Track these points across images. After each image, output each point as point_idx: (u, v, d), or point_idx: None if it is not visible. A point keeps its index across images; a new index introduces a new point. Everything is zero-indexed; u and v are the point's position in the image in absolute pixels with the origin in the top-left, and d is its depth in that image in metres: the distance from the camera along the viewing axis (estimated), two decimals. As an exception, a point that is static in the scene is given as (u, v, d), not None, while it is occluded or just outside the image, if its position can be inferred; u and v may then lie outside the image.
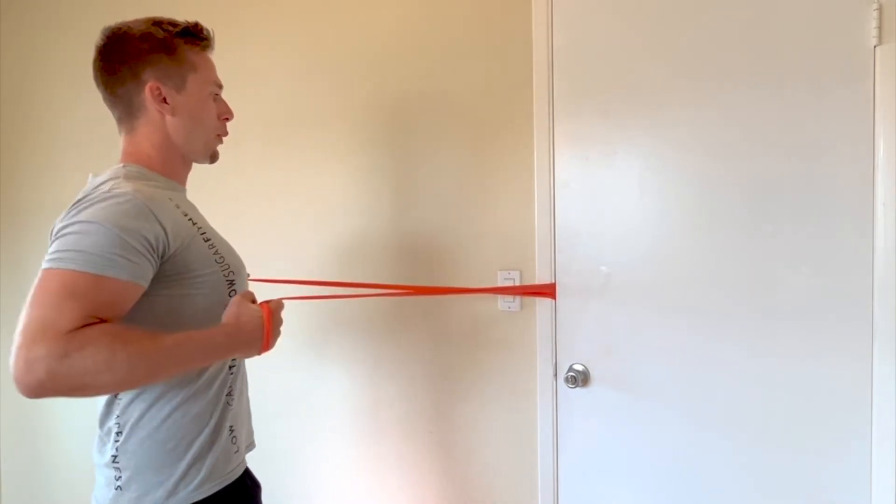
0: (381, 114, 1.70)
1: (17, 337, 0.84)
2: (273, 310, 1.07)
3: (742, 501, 1.40)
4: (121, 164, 1.07)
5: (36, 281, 0.88)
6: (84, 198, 0.96)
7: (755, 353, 1.37)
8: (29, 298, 0.87)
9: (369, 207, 1.72)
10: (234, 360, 1.14)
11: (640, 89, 1.44)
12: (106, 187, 0.98)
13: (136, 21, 1.08)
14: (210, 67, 1.15)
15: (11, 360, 0.83)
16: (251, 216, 1.84)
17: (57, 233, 0.93)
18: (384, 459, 1.74)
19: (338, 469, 1.80)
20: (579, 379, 1.50)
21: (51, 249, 0.91)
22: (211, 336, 0.99)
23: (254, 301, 1.08)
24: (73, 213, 0.94)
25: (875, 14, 1.25)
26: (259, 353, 1.05)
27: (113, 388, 0.95)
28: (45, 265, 0.89)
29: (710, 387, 1.41)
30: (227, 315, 1.03)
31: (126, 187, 0.97)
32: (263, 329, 1.03)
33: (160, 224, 0.96)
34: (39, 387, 0.83)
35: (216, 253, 1.09)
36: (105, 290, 0.89)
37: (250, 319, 1.03)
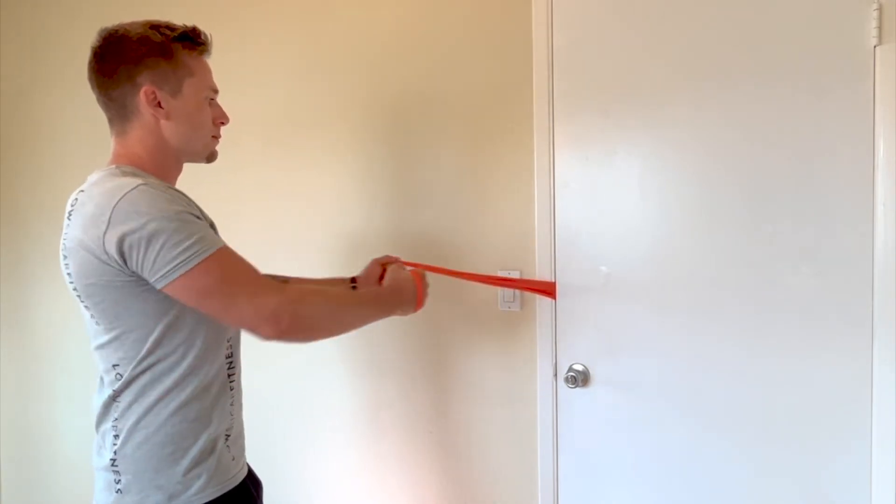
0: (380, 114, 1.70)
1: (242, 305, 0.97)
2: (422, 275, 1.32)
3: (742, 501, 1.40)
4: (113, 165, 1.06)
5: (192, 280, 0.95)
6: (114, 209, 0.94)
7: (755, 352, 1.37)
8: (212, 287, 0.96)
9: (369, 207, 1.72)
10: (231, 367, 1.13)
11: (640, 89, 1.44)
12: (123, 185, 0.96)
13: (134, 24, 1.07)
14: (206, 72, 1.14)
15: (253, 320, 0.97)
16: (250, 216, 1.84)
17: (143, 245, 0.93)
18: (384, 459, 1.74)
19: (338, 469, 1.80)
20: (579, 379, 1.50)
21: (168, 258, 0.94)
22: (382, 294, 1.25)
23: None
24: (129, 222, 0.93)
25: (875, 14, 1.25)
26: (415, 311, 1.28)
27: (330, 332, 1.12)
28: (182, 269, 0.94)
29: (710, 386, 1.41)
30: (388, 280, 1.30)
31: (138, 180, 0.98)
32: (416, 291, 1.27)
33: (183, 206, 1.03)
34: (288, 328, 0.99)
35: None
36: (237, 254, 1.03)
37: (407, 282, 1.27)
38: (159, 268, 0.94)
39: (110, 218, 0.94)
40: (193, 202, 1.07)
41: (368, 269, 1.46)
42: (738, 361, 1.38)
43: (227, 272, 0.98)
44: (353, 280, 1.48)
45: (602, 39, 1.48)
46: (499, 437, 1.62)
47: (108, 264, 0.96)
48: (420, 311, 1.67)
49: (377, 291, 1.28)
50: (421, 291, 1.28)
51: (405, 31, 1.66)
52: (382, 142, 1.71)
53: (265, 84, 1.82)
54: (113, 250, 0.94)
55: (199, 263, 0.95)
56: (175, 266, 0.94)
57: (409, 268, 1.36)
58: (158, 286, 0.95)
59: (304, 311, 1.02)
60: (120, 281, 0.97)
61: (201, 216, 1.04)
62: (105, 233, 0.94)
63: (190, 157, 1.16)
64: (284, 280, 1.38)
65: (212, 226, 1.09)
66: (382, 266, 1.46)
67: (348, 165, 1.74)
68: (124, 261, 0.95)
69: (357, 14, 1.71)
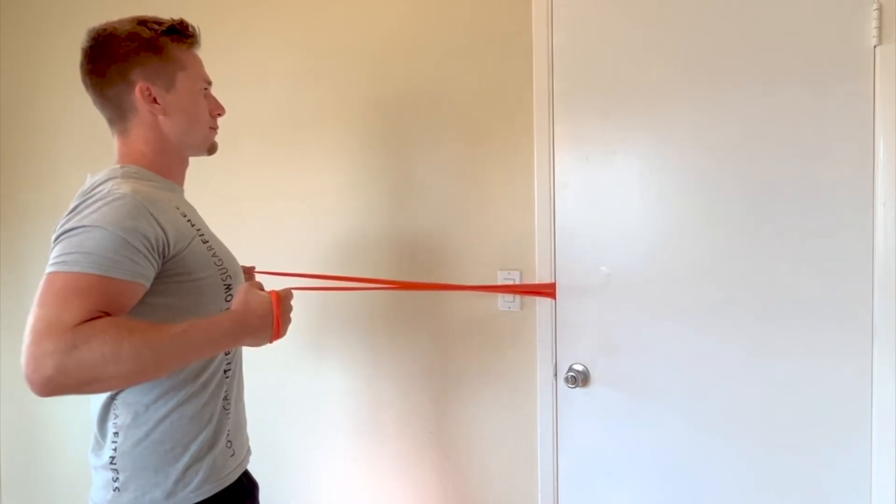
0: (380, 114, 1.70)
1: (25, 337, 0.85)
2: (282, 296, 1.04)
3: (742, 501, 1.40)
4: (118, 165, 1.06)
5: (41, 284, 0.89)
6: (83, 201, 0.96)
7: (755, 352, 1.37)
8: (35, 300, 0.87)
9: (368, 208, 1.72)
10: (229, 364, 1.13)
11: (640, 89, 1.44)
12: (105, 188, 0.97)
13: (121, 21, 1.07)
14: (198, 64, 1.14)
15: (22, 359, 0.84)
16: (250, 215, 1.84)
17: (59, 236, 0.93)
18: (384, 460, 1.74)
19: (337, 469, 1.80)
20: (579, 379, 1.50)
21: (54, 253, 0.91)
22: (218, 323, 0.97)
23: (262, 289, 1.05)
24: (73, 215, 0.94)
25: (875, 14, 1.25)
26: (270, 341, 1.03)
27: (121, 381, 0.90)
28: (49, 269, 0.89)
29: (710, 387, 1.41)
30: (235, 302, 1.01)
31: (125, 188, 0.97)
32: (273, 315, 1.01)
33: (160, 225, 0.96)
34: (49, 382, 0.82)
35: (214, 255, 1.09)
36: (109, 290, 0.89)
37: (259, 305, 1.00)
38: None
39: (70, 212, 0.95)
40: (178, 217, 1.03)
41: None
42: (737, 361, 1.38)
43: (53, 297, 0.86)
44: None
45: (602, 39, 1.48)
46: (499, 437, 1.62)
47: None
48: (419, 311, 1.68)
49: (213, 321, 0.97)
50: (279, 316, 1.02)
51: (405, 31, 1.66)
52: (382, 141, 1.71)
53: (264, 84, 1.82)
54: None
55: (52, 272, 0.88)
56: (49, 263, 0.90)
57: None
58: None
59: (80, 356, 0.82)
60: None
61: (153, 243, 0.95)
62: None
63: (191, 150, 1.15)
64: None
65: (200, 233, 1.07)
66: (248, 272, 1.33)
67: (348, 165, 1.74)
68: None
69: (356, 14, 1.71)
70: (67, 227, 0.92)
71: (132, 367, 0.86)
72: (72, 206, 0.97)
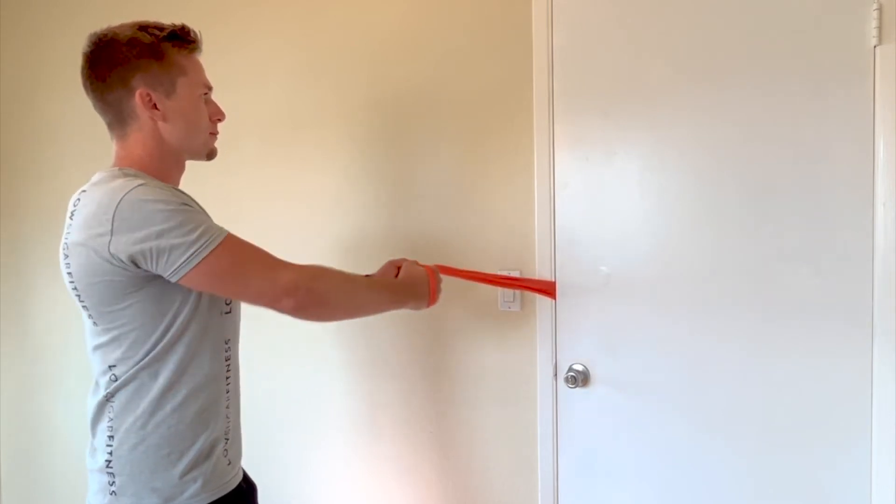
0: (380, 114, 1.70)
1: (259, 281, 1.02)
2: (434, 270, 1.32)
3: (742, 501, 1.40)
4: (116, 168, 1.06)
5: (202, 272, 0.97)
6: (117, 210, 0.94)
7: (755, 353, 1.37)
8: (225, 278, 1.00)
9: (368, 208, 1.72)
10: (229, 371, 1.13)
11: (640, 89, 1.44)
12: (128, 184, 0.97)
13: (122, 26, 1.07)
14: (199, 70, 1.13)
15: (270, 294, 1.02)
16: (250, 216, 1.84)
17: (157, 239, 0.94)
18: (383, 460, 1.74)
19: (336, 470, 1.80)
20: (579, 379, 1.50)
21: (182, 249, 0.95)
22: (396, 284, 1.26)
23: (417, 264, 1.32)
24: (141, 222, 0.94)
25: (875, 14, 1.25)
26: (427, 306, 1.29)
27: (346, 311, 1.19)
28: (196, 258, 0.96)
29: (710, 387, 1.41)
30: (402, 273, 1.29)
31: (137, 180, 0.99)
32: (430, 286, 1.28)
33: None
34: (305, 302, 1.04)
35: None
36: (243, 239, 1.05)
37: (419, 276, 1.28)
38: (173, 262, 0.96)
39: (113, 220, 0.94)
40: (194, 200, 1.07)
41: (383, 269, 1.44)
42: (738, 361, 1.38)
43: (238, 255, 1.02)
44: (368, 277, 1.48)
45: (602, 39, 1.48)
46: (499, 437, 1.62)
47: (112, 264, 0.96)
48: (420, 311, 1.67)
49: (391, 281, 1.29)
50: (434, 287, 1.30)
51: (405, 32, 1.66)
52: (382, 142, 1.71)
53: (264, 84, 1.82)
54: (123, 256, 0.94)
55: (211, 252, 0.97)
56: (188, 258, 0.96)
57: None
58: (174, 279, 0.97)
59: (320, 286, 1.07)
60: (121, 280, 0.97)
61: (202, 211, 1.06)
62: (111, 235, 0.94)
63: (190, 155, 1.16)
64: None
65: None
66: (397, 267, 1.42)
67: (348, 165, 1.74)
68: (136, 265, 0.96)
69: (356, 14, 1.71)
70: (161, 228, 0.95)
71: (352, 298, 1.15)
72: (112, 220, 0.95)
